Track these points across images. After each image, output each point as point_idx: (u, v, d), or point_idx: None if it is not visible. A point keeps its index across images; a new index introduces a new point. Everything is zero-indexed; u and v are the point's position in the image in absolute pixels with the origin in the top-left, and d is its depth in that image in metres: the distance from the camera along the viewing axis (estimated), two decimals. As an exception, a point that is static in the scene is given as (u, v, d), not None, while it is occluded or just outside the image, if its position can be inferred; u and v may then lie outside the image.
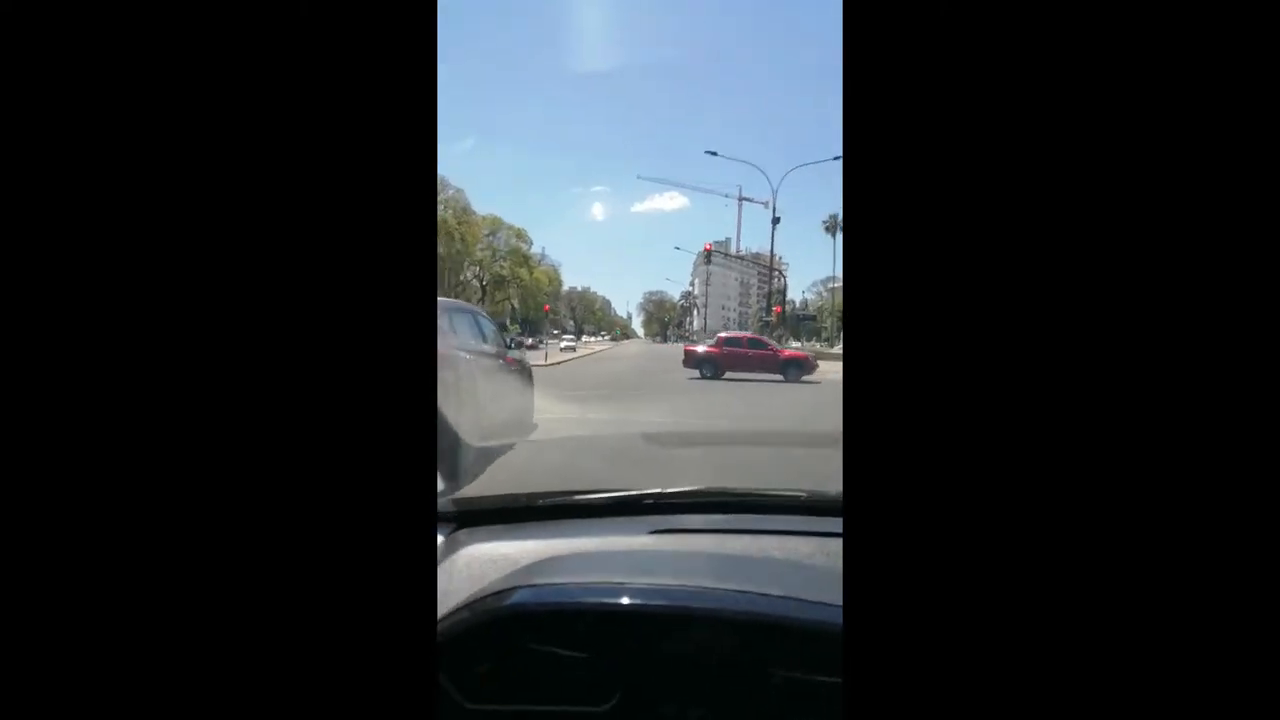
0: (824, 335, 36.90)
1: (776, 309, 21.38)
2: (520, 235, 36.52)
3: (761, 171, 63.18)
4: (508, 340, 5.55)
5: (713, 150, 48.16)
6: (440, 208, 29.90)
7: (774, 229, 22.13)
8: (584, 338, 40.67)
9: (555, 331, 39.29)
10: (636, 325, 64.34)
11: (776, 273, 24.45)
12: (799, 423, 5.95)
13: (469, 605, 0.73)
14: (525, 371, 5.25)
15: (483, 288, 33.98)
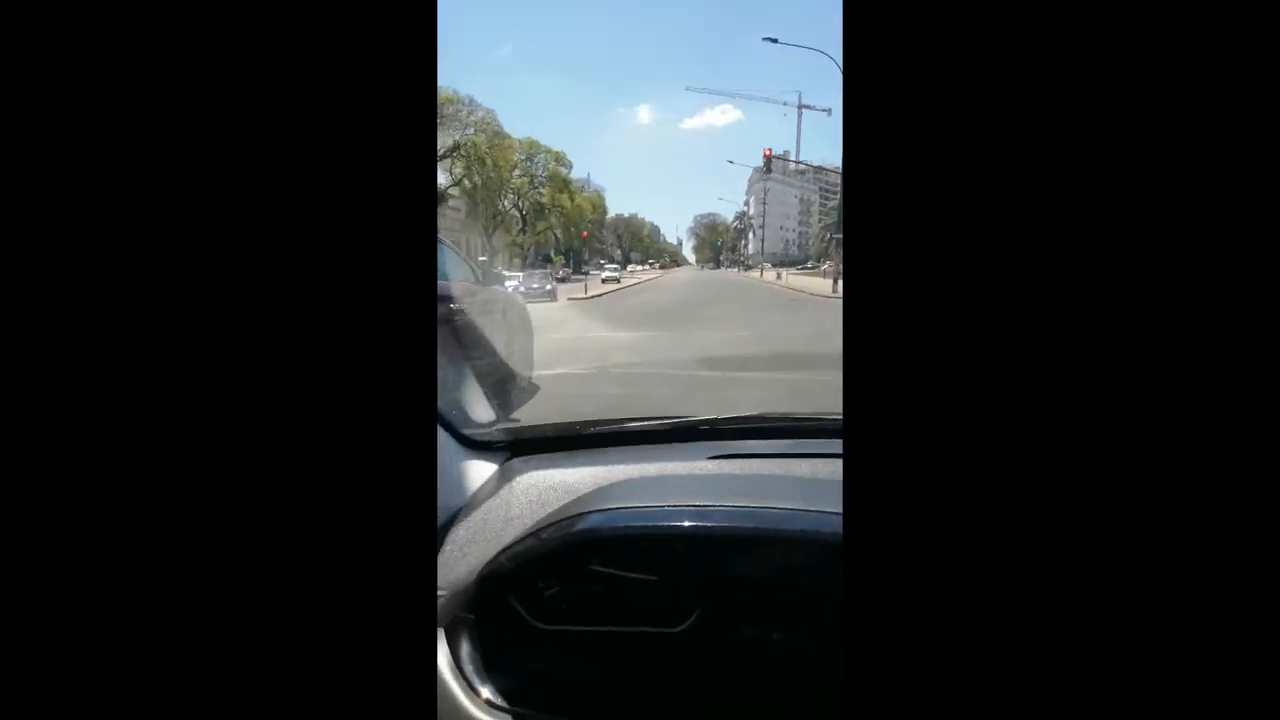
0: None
1: (846, 224, 18.46)
2: (559, 159, 34.19)
3: (829, 56, 56.00)
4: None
5: (772, 36, 42.73)
6: (469, 130, 28.04)
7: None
8: (630, 266, 38.91)
9: (601, 261, 37.66)
10: (687, 251, 61.54)
11: (845, 181, 21.13)
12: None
13: (537, 532, 0.75)
14: (513, 314, 3.95)
15: (523, 217, 32.19)
